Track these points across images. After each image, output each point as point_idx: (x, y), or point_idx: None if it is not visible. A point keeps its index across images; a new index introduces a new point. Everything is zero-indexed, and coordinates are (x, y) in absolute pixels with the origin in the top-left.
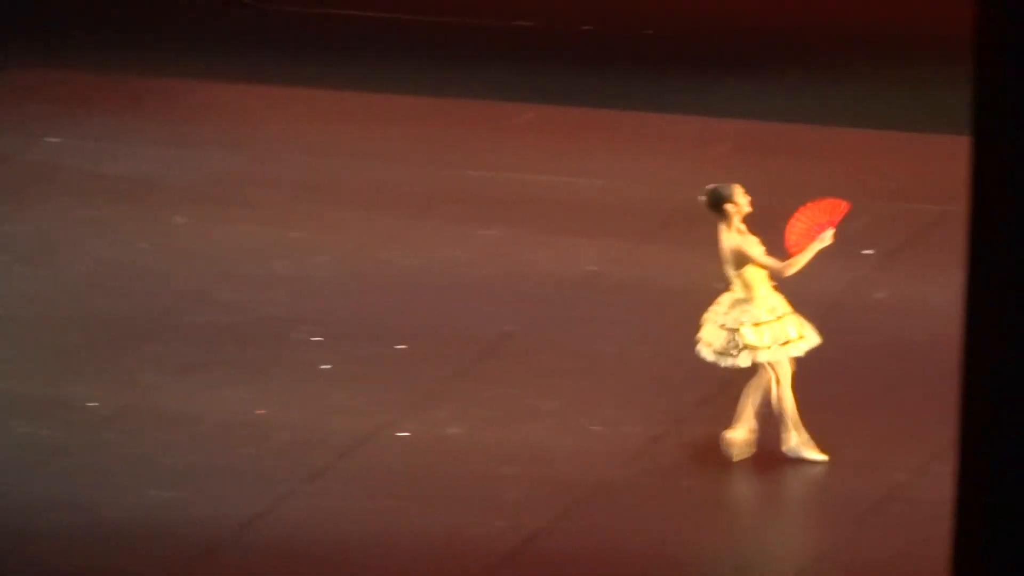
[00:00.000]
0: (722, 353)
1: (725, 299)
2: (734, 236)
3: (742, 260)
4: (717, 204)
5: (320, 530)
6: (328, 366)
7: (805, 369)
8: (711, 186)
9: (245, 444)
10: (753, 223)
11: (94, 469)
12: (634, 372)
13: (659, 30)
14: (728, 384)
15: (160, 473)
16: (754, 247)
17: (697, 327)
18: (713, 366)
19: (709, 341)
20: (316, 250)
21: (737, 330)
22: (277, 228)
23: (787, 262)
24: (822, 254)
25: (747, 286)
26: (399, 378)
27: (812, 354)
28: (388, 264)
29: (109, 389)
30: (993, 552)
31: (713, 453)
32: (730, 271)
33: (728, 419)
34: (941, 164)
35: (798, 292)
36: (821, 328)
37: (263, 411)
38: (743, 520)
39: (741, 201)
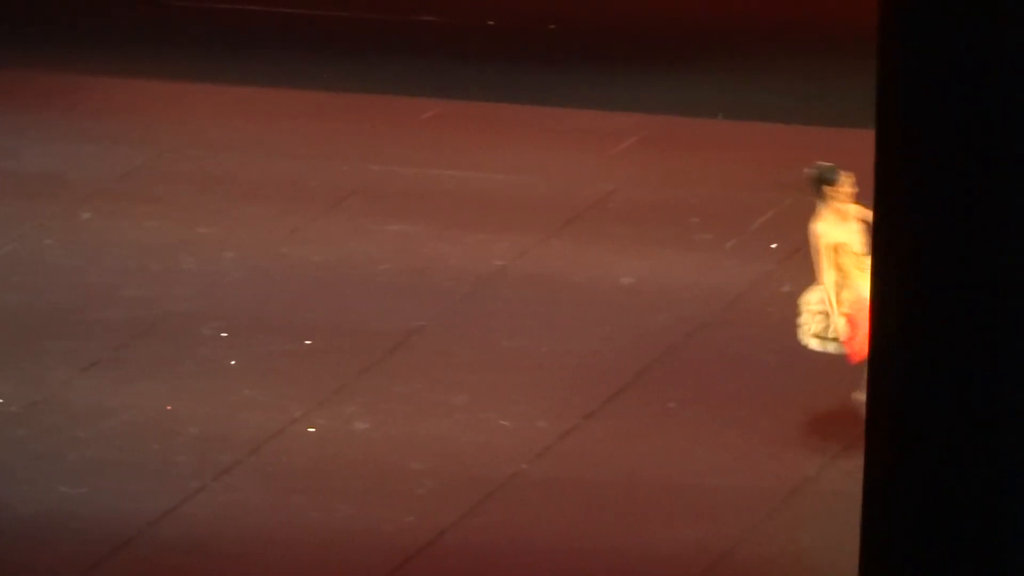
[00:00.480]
0: (821, 338)
1: (828, 281)
2: (829, 219)
3: (837, 244)
4: (819, 184)
5: (230, 526)
6: (235, 362)
7: (712, 363)
8: (821, 164)
9: (154, 440)
10: (661, 218)
11: (2, 466)
12: (543, 367)
13: (563, 24)
14: (638, 378)
15: (69, 469)
16: (852, 233)
17: (603, 321)
18: (622, 360)
19: (807, 325)
20: (223, 246)
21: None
22: (184, 224)
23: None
24: (728, 248)
25: (841, 271)
26: (307, 374)
27: (718, 345)
28: (295, 259)
29: (17, 385)
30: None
31: (623, 447)
32: (822, 255)
33: (640, 413)
34: (848, 158)
35: (704, 286)
36: (727, 320)
37: (171, 407)
38: (652, 515)
39: (844, 187)
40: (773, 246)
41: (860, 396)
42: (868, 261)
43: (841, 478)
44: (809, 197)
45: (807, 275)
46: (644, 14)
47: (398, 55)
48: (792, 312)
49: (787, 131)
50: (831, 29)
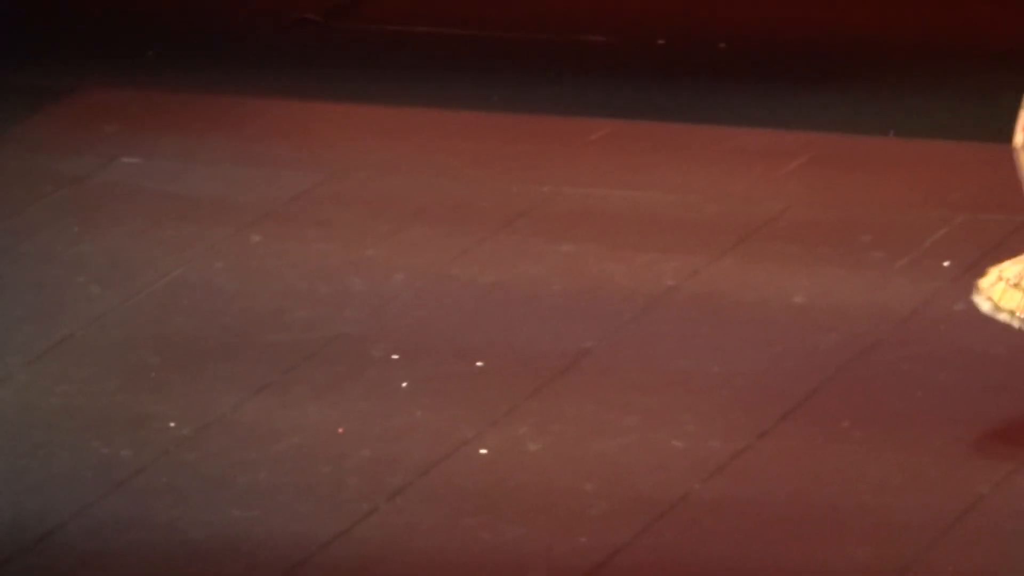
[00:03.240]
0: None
1: None
2: None
3: None
4: None
5: (401, 548)
6: (406, 384)
7: (883, 382)
8: None
9: (324, 463)
10: (831, 237)
11: (173, 489)
12: (714, 387)
13: (732, 43)
14: (810, 398)
15: (239, 493)
16: None
17: (774, 340)
18: (794, 380)
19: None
20: (392, 268)
21: None
22: (352, 246)
23: None
24: (899, 267)
25: None
26: (478, 395)
27: (889, 364)
28: (464, 281)
29: (187, 409)
30: None
31: (796, 467)
32: None
33: (812, 433)
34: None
35: (875, 305)
36: (899, 340)
37: (342, 429)
38: (823, 535)
39: None
40: (945, 264)
41: None
42: None
43: (1016, 497)
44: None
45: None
46: (813, 32)
47: (567, 75)
48: (965, 329)
49: (959, 148)
50: (1001, 44)
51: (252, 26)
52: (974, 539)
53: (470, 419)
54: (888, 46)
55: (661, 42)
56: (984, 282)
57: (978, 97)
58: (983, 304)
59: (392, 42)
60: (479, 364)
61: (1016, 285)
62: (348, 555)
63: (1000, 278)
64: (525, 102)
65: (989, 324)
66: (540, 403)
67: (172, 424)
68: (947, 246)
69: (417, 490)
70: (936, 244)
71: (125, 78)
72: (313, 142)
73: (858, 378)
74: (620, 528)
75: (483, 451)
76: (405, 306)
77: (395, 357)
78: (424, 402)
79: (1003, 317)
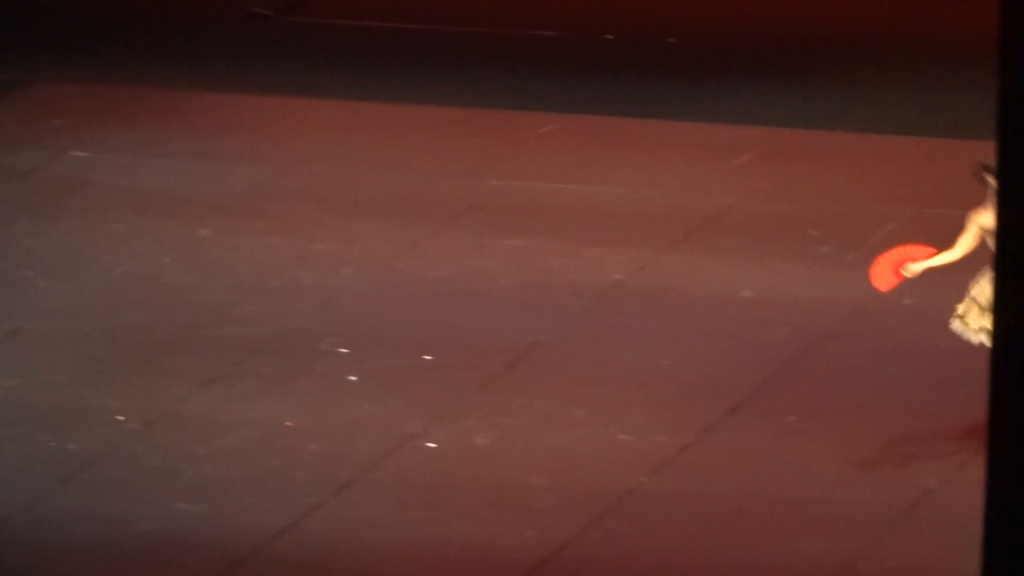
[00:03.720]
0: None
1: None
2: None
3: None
4: (988, 173)
5: (349, 542)
6: (355, 377)
7: (831, 376)
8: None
9: (272, 456)
10: (780, 231)
11: (121, 483)
12: (662, 381)
13: (682, 38)
14: (758, 391)
15: (188, 486)
16: None
17: (722, 334)
18: (741, 374)
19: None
20: (341, 262)
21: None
22: (302, 240)
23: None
24: (848, 261)
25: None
26: (426, 389)
27: (837, 359)
28: (413, 275)
29: (136, 402)
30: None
31: (743, 461)
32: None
33: (759, 427)
34: (968, 169)
35: (824, 299)
36: (847, 334)
37: (290, 423)
38: (773, 528)
39: None
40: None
41: None
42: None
43: (963, 490)
44: (978, 186)
45: (929, 287)
46: (762, 27)
47: (517, 70)
48: (912, 323)
49: (907, 143)
50: (948, 40)
51: (203, 21)
52: (922, 532)
53: (418, 413)
54: (837, 42)
55: (610, 37)
56: (961, 309)
57: (926, 93)
58: (971, 336)
59: (342, 37)
60: (428, 358)
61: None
62: (296, 548)
63: (974, 302)
64: (475, 96)
65: (937, 319)
66: (488, 397)
67: (120, 418)
68: (896, 240)
69: (365, 484)
70: (885, 238)
71: (75, 72)
72: (262, 136)
73: (806, 372)
74: (568, 522)
75: (431, 445)
76: (354, 300)
77: (344, 351)
78: (373, 396)
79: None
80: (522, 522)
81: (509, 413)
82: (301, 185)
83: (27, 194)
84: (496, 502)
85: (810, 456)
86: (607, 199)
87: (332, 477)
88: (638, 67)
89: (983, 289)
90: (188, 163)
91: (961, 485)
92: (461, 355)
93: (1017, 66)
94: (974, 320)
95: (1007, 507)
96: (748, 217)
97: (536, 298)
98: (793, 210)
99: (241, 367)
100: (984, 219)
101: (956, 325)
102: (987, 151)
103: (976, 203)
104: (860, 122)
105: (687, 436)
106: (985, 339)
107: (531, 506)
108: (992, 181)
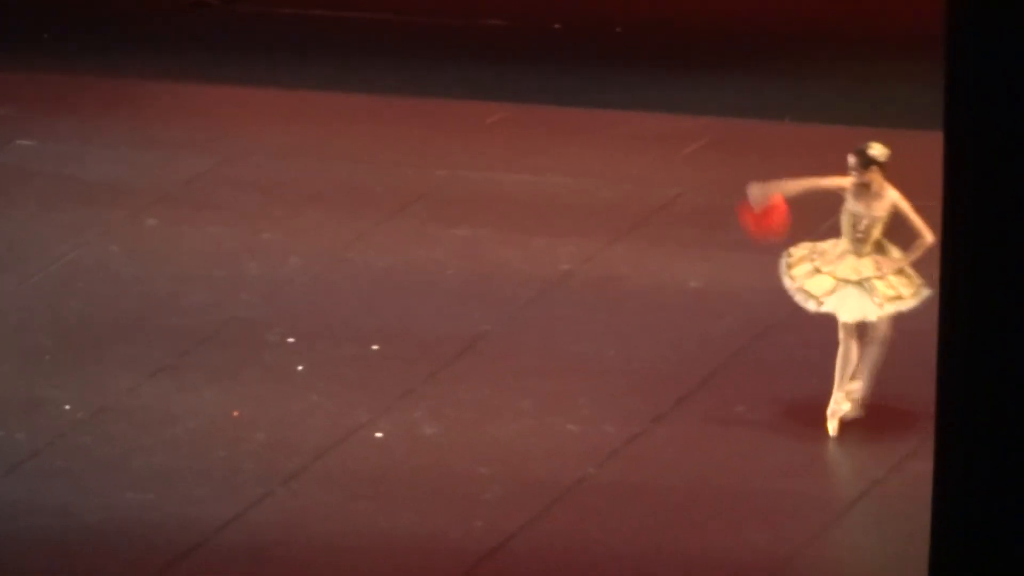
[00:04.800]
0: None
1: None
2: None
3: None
4: (868, 161)
5: (296, 532)
6: (302, 367)
7: (779, 367)
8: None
9: (219, 446)
10: (728, 222)
11: (68, 473)
12: (610, 371)
13: (629, 28)
14: (705, 382)
15: (134, 476)
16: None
17: (670, 325)
18: (689, 364)
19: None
20: (288, 252)
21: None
22: (248, 230)
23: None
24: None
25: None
26: (373, 379)
27: (784, 350)
28: (360, 265)
29: (82, 392)
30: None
31: (691, 452)
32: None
33: (707, 417)
34: (915, 160)
35: (771, 289)
36: (794, 325)
37: (237, 413)
38: (721, 519)
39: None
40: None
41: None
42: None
43: (909, 482)
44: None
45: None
46: (710, 18)
47: (463, 59)
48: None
49: (854, 133)
50: (897, 31)
51: (149, 9)
52: (869, 523)
53: (366, 403)
54: (784, 32)
55: (557, 26)
56: (795, 271)
57: (874, 83)
58: (790, 285)
59: (288, 25)
60: (375, 348)
61: (819, 270)
62: (243, 538)
63: (806, 261)
64: (422, 85)
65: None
66: (436, 387)
67: (67, 407)
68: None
69: (312, 474)
70: (831, 229)
71: (20, 60)
72: (209, 125)
73: (753, 363)
74: (515, 512)
75: (378, 435)
76: (301, 290)
77: (291, 341)
78: (320, 386)
79: (808, 303)
80: (469, 513)
81: (456, 404)
82: (248, 175)
83: None
84: (443, 493)
85: (758, 447)
86: (554, 189)
87: (279, 467)
88: (585, 56)
89: (823, 255)
90: (134, 152)
91: (908, 476)
92: (408, 346)
93: (961, 57)
94: (816, 288)
95: (955, 498)
96: (696, 207)
97: (483, 289)
98: (741, 201)
99: (188, 357)
100: (824, 182)
101: (790, 284)
102: (934, 142)
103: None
104: (808, 112)
105: (635, 427)
106: (813, 306)
107: (478, 497)
108: (852, 160)
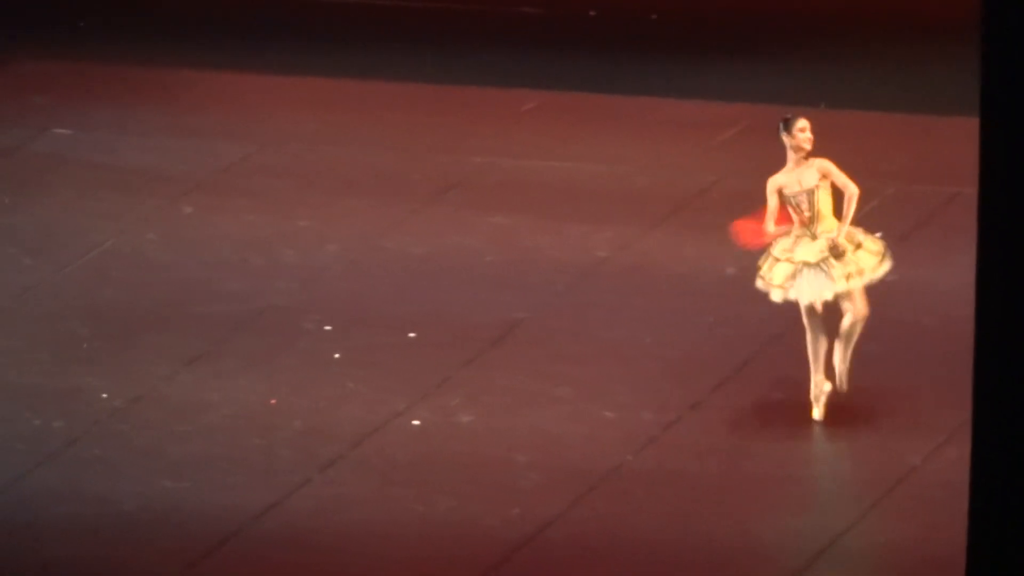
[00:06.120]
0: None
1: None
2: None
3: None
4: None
5: (332, 519)
6: (338, 355)
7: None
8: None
9: (256, 434)
10: (760, 208)
11: (105, 461)
12: (646, 358)
13: (664, 15)
14: (742, 368)
15: (171, 464)
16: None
17: (706, 311)
18: (726, 351)
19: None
20: (324, 239)
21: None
22: (284, 217)
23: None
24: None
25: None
26: (410, 366)
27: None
28: (396, 252)
29: (119, 380)
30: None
31: (728, 438)
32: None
33: (740, 404)
34: (951, 146)
35: None
36: (831, 312)
37: (274, 401)
38: (758, 505)
39: (797, 138)
40: (878, 235)
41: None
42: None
43: (947, 467)
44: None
45: (913, 264)
46: (746, 4)
47: (499, 47)
48: (896, 299)
49: (890, 119)
50: (932, 17)
51: None
52: (905, 509)
53: (402, 390)
54: (820, 18)
55: (593, 13)
56: (764, 268)
57: (909, 68)
58: (760, 284)
59: (324, 13)
60: (411, 335)
61: (778, 259)
62: (280, 526)
63: (769, 255)
64: (457, 73)
65: (921, 295)
66: (472, 374)
67: (104, 395)
68: (879, 217)
69: (349, 462)
70: (868, 215)
71: (57, 49)
72: (245, 113)
73: (790, 349)
74: (552, 500)
75: (415, 422)
76: (337, 277)
77: (327, 328)
78: (356, 373)
79: (773, 294)
80: (506, 500)
81: (493, 391)
82: (284, 163)
83: (9, 172)
84: (480, 480)
85: (794, 433)
86: (590, 176)
87: (316, 455)
88: (621, 43)
89: (780, 244)
90: (171, 141)
91: (944, 462)
92: (445, 333)
93: (999, 42)
94: (776, 277)
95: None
96: (732, 194)
97: (519, 276)
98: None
99: (224, 345)
100: (776, 180)
101: (760, 284)
102: (971, 128)
103: (964, 176)
104: (843, 98)
105: (671, 413)
106: (778, 295)
107: (515, 484)
108: (785, 139)
